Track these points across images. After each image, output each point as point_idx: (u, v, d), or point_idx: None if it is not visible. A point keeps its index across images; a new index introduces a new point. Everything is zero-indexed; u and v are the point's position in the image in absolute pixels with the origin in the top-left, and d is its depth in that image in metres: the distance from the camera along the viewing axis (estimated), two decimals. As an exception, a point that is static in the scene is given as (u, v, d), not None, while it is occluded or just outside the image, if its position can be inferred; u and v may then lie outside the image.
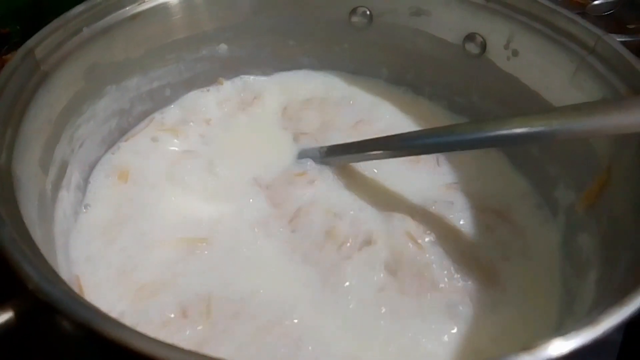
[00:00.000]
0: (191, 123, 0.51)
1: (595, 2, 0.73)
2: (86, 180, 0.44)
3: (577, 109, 0.34)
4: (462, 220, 0.44)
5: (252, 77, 0.55)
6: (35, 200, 0.34)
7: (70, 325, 0.23)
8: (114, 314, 0.35)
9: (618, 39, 0.59)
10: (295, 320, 0.36)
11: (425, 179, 0.47)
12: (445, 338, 0.37)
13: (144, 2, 0.44)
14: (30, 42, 0.37)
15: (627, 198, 0.36)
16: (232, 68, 0.54)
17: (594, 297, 0.35)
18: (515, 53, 0.47)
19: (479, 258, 0.42)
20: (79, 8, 0.40)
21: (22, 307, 0.24)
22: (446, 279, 0.40)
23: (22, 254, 0.25)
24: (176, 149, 0.49)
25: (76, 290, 0.37)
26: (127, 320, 0.35)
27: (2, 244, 0.25)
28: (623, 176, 0.37)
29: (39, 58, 0.37)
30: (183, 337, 0.35)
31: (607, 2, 0.72)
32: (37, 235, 0.30)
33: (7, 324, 0.24)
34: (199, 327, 0.35)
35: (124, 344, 0.22)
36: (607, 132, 0.35)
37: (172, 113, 0.52)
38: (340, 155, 0.47)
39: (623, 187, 0.37)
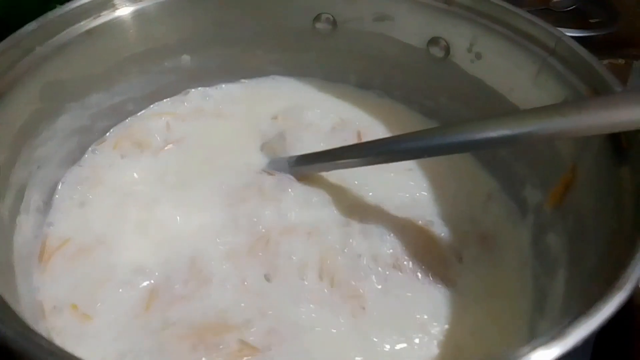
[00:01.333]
0: (156, 135, 0.50)
1: None
2: (47, 203, 0.43)
3: (536, 113, 0.34)
4: (435, 225, 0.44)
5: (219, 87, 0.55)
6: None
7: None
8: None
9: (581, 34, 0.59)
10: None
11: (396, 183, 0.47)
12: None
13: (99, 16, 0.43)
14: (-21, 63, 0.35)
15: (591, 197, 0.36)
16: (197, 78, 0.53)
17: (564, 295, 0.36)
18: (478, 56, 0.47)
19: (450, 259, 0.42)
20: (31, 26, 0.39)
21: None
22: (421, 281, 0.40)
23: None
24: (142, 162, 0.48)
25: (40, 316, 0.36)
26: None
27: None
28: (587, 175, 0.38)
29: (-12, 79, 0.36)
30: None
31: (570, -1, 0.74)
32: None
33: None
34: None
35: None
36: (571, 135, 0.36)
37: (135, 126, 0.51)
38: (309, 165, 0.46)
39: (587, 186, 0.37)
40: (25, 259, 0.38)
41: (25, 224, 0.39)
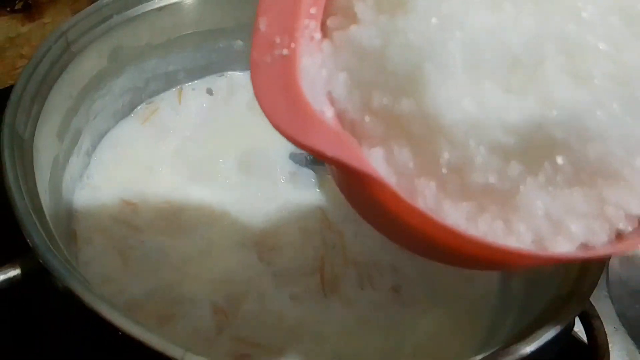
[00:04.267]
0: (203, 104, 0.56)
1: None
2: (94, 147, 0.49)
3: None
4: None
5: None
6: (48, 169, 0.39)
7: (63, 288, 0.29)
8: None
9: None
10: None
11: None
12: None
13: (170, -4, 0.49)
14: (64, 26, 0.41)
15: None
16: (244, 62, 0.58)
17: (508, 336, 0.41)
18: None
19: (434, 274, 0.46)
20: (111, -2, 0.45)
21: (27, 265, 0.30)
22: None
23: (33, 227, 0.31)
24: (181, 126, 0.54)
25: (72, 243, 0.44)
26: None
27: (19, 215, 0.31)
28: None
29: (70, 40, 0.42)
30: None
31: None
32: (46, 202, 0.36)
33: (14, 279, 0.30)
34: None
35: (97, 312, 0.28)
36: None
37: (182, 93, 0.57)
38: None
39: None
40: (70, 192, 0.45)
41: (75, 165, 0.45)
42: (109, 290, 0.40)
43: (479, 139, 0.22)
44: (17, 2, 0.56)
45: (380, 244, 0.46)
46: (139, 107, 0.54)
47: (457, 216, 0.23)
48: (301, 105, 0.22)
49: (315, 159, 0.51)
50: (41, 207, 0.33)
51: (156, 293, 0.41)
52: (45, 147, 0.39)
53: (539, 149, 0.22)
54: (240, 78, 0.58)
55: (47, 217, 0.33)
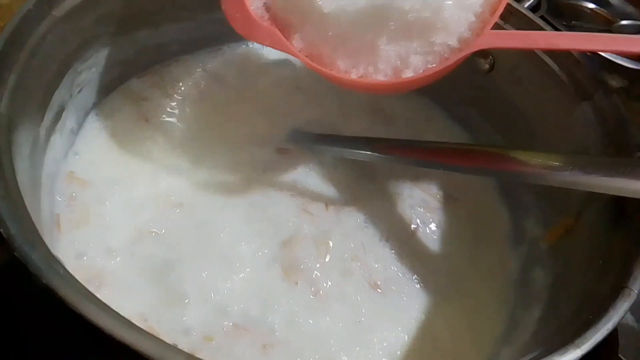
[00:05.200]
0: (194, 77, 0.51)
1: (623, 22, 0.72)
2: (80, 125, 0.45)
3: (550, 156, 0.35)
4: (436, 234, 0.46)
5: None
6: (28, 146, 0.35)
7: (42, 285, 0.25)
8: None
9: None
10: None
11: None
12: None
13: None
14: (45, -14, 0.37)
15: (584, 249, 0.38)
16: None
17: (534, 332, 0.38)
18: (518, 80, 0.47)
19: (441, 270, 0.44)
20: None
21: (1, 259, 0.26)
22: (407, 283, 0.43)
23: (9, 214, 0.26)
24: (173, 103, 0.49)
25: (55, 228, 0.40)
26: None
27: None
28: (586, 227, 0.39)
29: (52, 3, 0.37)
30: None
31: (635, 25, 0.72)
32: (24, 182, 0.32)
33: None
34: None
35: (82, 313, 0.24)
36: (576, 188, 0.37)
37: (175, 68, 0.52)
38: (329, 146, 0.48)
39: (583, 238, 0.39)
40: (51, 176, 0.40)
41: (59, 144, 0.41)
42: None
43: (346, 19, 0.37)
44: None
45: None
46: (129, 82, 0.49)
47: (346, 67, 0.38)
48: (248, 14, 0.39)
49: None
50: (19, 191, 0.29)
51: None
52: (23, 122, 0.34)
53: (380, 19, 0.36)
54: (235, 53, 0.54)
55: (26, 204, 0.29)
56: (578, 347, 0.27)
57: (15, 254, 0.25)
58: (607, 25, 0.72)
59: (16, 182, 0.29)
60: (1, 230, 0.26)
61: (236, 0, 0.39)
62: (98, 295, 0.25)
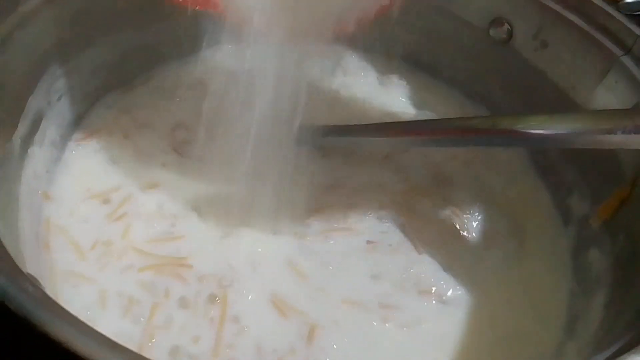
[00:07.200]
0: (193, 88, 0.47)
1: (628, 0, 0.68)
2: (64, 138, 0.41)
3: (610, 115, 0.30)
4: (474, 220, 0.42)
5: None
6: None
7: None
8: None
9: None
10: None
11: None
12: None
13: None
14: (7, -21, 0.33)
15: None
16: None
17: (602, 320, 0.33)
18: (544, 44, 0.43)
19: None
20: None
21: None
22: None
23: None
24: (174, 110, 0.45)
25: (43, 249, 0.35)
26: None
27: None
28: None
29: (19, -3, 0.33)
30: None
31: (640, 1, 0.68)
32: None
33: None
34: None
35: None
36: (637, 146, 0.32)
37: (170, 72, 0.48)
38: (340, 137, 0.43)
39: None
40: (34, 193, 0.36)
41: (39, 157, 0.37)
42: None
43: None
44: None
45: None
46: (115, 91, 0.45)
47: None
48: None
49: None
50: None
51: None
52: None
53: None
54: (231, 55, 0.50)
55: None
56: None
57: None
58: (613, 3, 0.68)
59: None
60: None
61: None
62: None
